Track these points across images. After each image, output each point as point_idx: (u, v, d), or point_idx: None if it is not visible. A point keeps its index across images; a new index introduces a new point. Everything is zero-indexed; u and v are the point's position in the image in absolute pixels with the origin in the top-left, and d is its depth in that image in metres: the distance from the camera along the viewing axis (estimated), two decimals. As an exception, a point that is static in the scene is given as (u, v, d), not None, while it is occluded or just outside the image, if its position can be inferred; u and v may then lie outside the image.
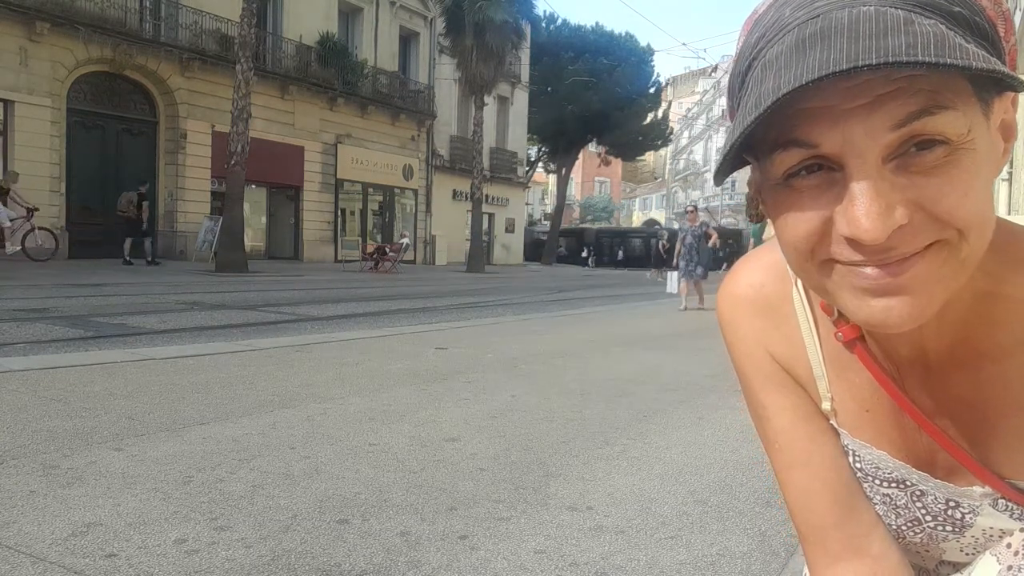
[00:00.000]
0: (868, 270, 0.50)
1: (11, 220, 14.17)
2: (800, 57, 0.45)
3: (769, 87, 0.45)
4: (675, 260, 11.04)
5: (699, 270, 10.45)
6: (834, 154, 0.48)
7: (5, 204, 14.26)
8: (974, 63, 0.42)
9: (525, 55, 32.90)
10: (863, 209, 0.47)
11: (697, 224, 10.78)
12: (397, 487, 2.22)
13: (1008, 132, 0.53)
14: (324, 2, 24.13)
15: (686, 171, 71.84)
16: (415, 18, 28.15)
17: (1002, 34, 0.50)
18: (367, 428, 2.90)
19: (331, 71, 23.55)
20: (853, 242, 0.49)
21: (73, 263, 15.60)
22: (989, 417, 0.61)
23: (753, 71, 0.50)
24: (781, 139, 0.49)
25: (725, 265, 35.12)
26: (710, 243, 10.77)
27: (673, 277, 12.58)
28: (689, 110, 70.39)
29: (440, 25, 26.24)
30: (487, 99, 25.33)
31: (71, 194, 17.62)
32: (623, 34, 38.38)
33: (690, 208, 11.39)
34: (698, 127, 68.09)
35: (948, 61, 0.41)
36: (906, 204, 0.47)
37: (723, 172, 0.52)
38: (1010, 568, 0.63)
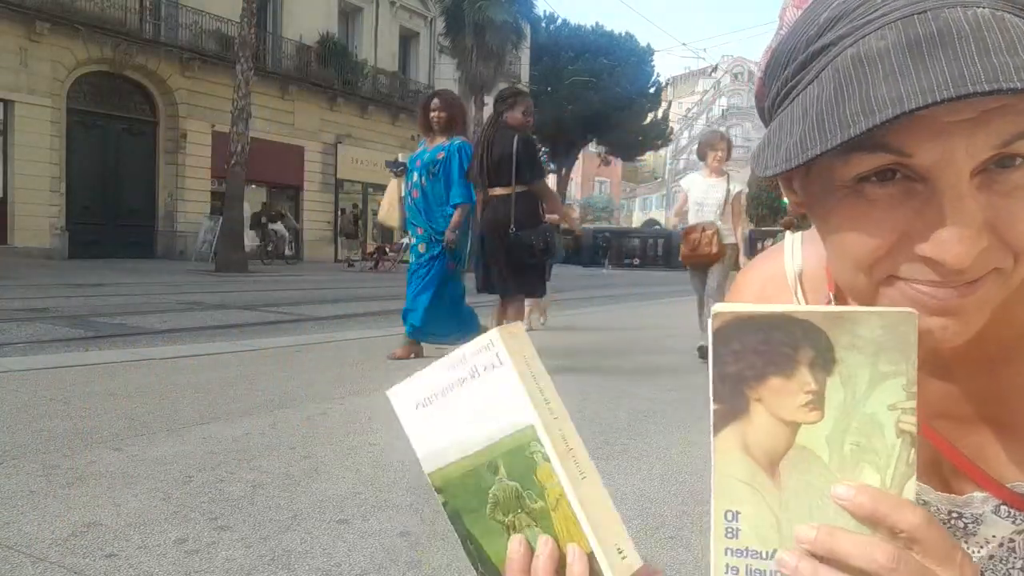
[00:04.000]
0: (935, 290, 0.47)
1: None
2: (919, 64, 0.40)
3: (883, 95, 0.40)
4: None
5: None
6: (925, 167, 0.44)
7: None
8: None
9: (525, 55, 32.90)
10: (956, 233, 0.44)
11: (679, 228, 8.02)
12: (397, 487, 2.22)
13: None
14: (324, 2, 24.14)
15: (686, 171, 71.81)
16: (415, 18, 28.15)
17: None
18: (367, 428, 2.90)
19: (331, 71, 23.55)
20: (931, 262, 0.45)
21: (74, 263, 15.60)
22: (994, 419, 0.60)
23: (834, 58, 0.45)
24: (868, 141, 0.43)
25: (606, 263, 33.67)
26: (571, 229, 7.78)
27: None
28: (689, 110, 70.40)
29: (440, 25, 26.25)
30: (487, 99, 25.34)
31: (71, 194, 17.63)
32: (623, 34, 38.40)
33: None
34: (698, 127, 68.07)
35: None
36: (985, 226, 0.44)
37: (787, 166, 0.45)
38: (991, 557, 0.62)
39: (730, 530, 0.44)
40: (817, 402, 0.42)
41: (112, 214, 18.64)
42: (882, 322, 0.41)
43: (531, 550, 0.49)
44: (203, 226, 19.23)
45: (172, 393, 3.37)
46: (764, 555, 0.44)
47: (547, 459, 0.47)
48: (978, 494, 0.63)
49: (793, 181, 0.56)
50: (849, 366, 0.42)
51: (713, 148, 5.71)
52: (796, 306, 0.49)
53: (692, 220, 5.54)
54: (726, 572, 0.44)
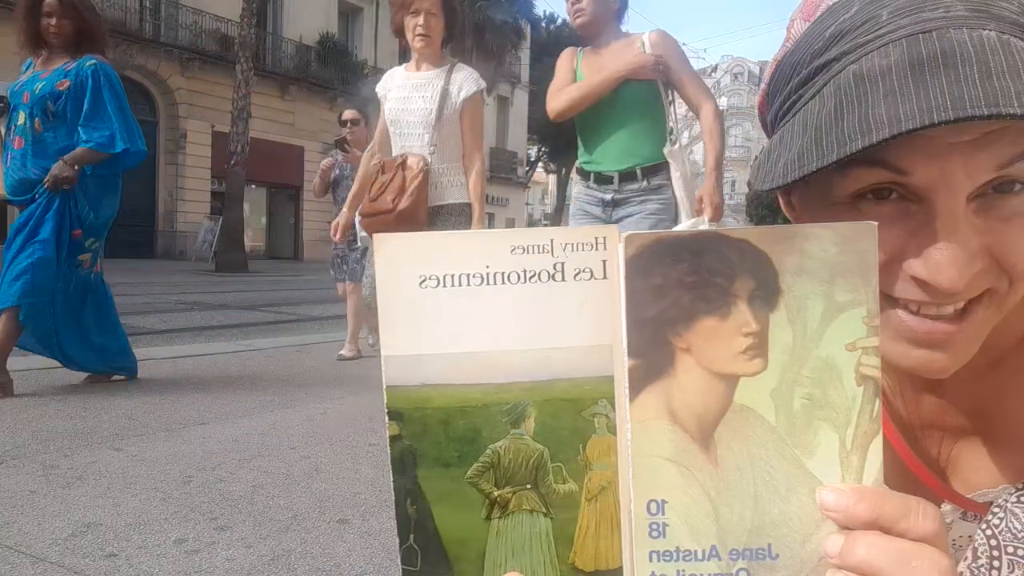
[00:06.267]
0: (916, 322, 0.46)
1: None
2: (920, 84, 0.39)
3: (882, 114, 0.40)
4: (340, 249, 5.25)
5: (356, 259, 5.08)
6: (922, 187, 0.43)
7: None
8: None
9: (525, 55, 32.94)
10: (948, 256, 0.43)
11: (372, 164, 3.66)
12: (397, 487, 2.22)
13: None
14: (324, 2, 24.15)
15: (686, 171, 71.64)
16: (415, 18, 28.19)
17: None
18: (367, 428, 2.90)
19: (331, 71, 23.55)
20: (922, 283, 0.44)
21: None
22: (976, 427, 0.59)
23: (836, 73, 0.45)
24: (867, 157, 0.42)
25: None
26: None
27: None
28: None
29: (440, 25, 26.27)
30: (487, 99, 25.38)
31: (71, 194, 17.63)
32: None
33: (348, 124, 5.18)
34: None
35: None
36: (980, 250, 0.44)
37: (783, 181, 0.44)
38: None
39: (655, 526, 0.34)
40: (759, 347, 0.33)
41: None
42: (836, 237, 0.33)
43: None
44: (203, 226, 19.24)
45: (172, 393, 3.37)
46: (700, 555, 0.34)
47: (613, 431, 0.35)
48: (945, 506, 0.63)
49: (792, 195, 0.56)
50: (798, 296, 0.33)
51: (409, 8, 2.91)
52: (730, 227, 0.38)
53: (395, 151, 3.03)
54: None
